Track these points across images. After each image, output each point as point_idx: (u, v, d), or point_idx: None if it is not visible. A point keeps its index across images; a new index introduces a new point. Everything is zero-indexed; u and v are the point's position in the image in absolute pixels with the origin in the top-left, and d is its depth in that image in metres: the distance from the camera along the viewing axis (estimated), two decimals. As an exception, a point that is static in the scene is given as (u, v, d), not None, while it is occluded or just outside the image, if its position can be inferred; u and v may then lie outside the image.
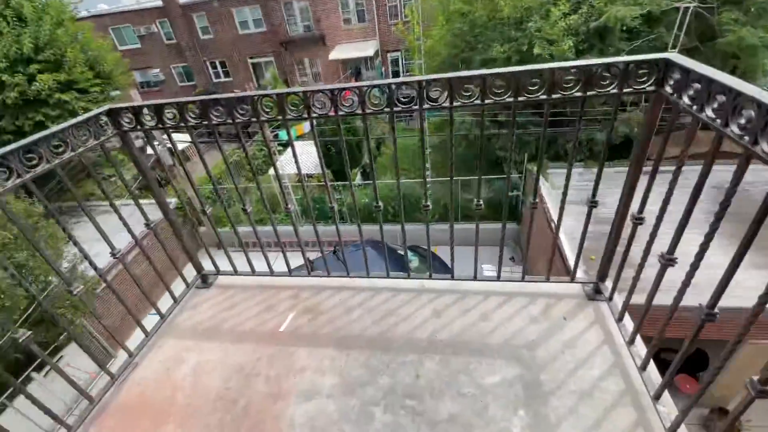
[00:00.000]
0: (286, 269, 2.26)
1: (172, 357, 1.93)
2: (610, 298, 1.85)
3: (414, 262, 9.18)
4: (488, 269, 9.15)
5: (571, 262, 6.73)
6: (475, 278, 2.04)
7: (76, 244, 1.76)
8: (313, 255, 8.50)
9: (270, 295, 2.20)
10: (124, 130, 1.80)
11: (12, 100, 9.57)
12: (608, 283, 1.90)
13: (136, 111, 1.74)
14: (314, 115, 1.59)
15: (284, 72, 20.90)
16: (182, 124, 1.71)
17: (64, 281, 1.66)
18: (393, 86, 1.46)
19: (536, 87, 1.38)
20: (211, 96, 1.64)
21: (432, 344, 1.78)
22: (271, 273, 2.28)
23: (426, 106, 1.49)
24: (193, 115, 1.69)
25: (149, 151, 9.33)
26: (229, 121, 1.66)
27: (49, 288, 7.00)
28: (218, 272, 2.38)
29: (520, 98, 1.41)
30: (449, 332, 1.82)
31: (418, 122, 12.58)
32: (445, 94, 1.44)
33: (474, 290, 2.00)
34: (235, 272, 2.34)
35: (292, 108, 1.60)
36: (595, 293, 1.90)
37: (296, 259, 2.41)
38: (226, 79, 21.88)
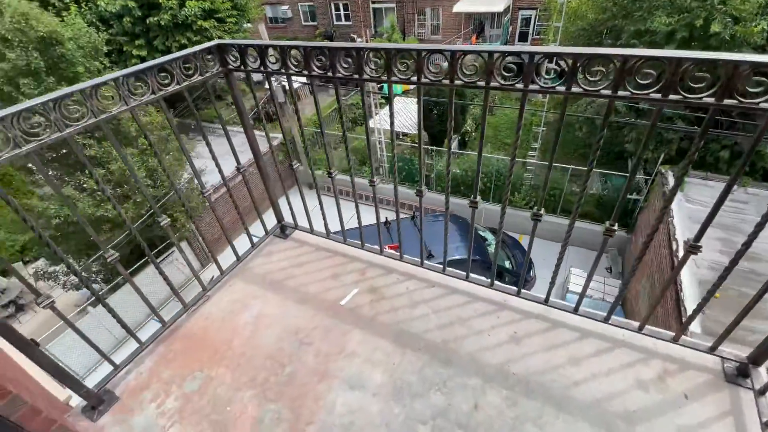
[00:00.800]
0: (359, 238, 2.13)
1: (240, 300, 1.98)
2: (763, 392, 1.35)
3: (492, 245, 8.62)
4: (577, 273, 8.21)
5: (690, 306, 5.53)
6: (575, 311, 1.67)
7: (188, 159, 1.87)
8: (390, 216, 8.49)
9: (339, 262, 2.10)
10: (230, 68, 1.73)
11: (165, 22, 10.78)
12: (763, 370, 1.40)
13: (242, 50, 1.64)
14: (425, 80, 1.32)
15: (403, 21, 20.17)
16: (283, 71, 1.57)
17: (175, 192, 1.81)
18: (536, 56, 1.11)
19: (702, 85, 0.95)
20: (315, 43, 1.45)
21: (502, 374, 1.52)
22: (344, 241, 2.18)
23: (533, 87, 1.14)
24: (295, 62, 1.53)
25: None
26: (329, 74, 1.48)
27: (170, 193, 8.13)
28: (296, 226, 2.35)
29: (672, 96, 0.99)
30: (526, 366, 1.53)
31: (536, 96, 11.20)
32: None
33: (570, 324, 1.65)
34: (311, 231, 2.29)
35: (401, 69, 1.34)
36: (740, 376, 1.42)
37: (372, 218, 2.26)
38: (346, 23, 21.94)
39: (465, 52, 1.21)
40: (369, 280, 1.98)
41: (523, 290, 1.76)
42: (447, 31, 19.65)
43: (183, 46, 11.14)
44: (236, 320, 1.87)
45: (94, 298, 8.95)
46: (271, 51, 1.56)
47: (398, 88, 13.13)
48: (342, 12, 21.97)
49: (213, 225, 10.42)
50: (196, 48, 1.62)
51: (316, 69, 1.49)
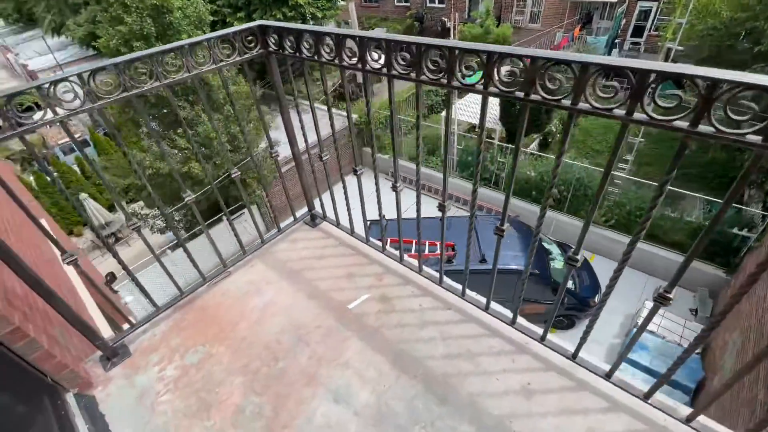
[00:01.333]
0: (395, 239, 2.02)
1: (255, 282, 2.00)
2: None
3: (557, 260, 7.88)
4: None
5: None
6: (608, 377, 1.39)
7: (266, 129, 1.97)
8: (455, 213, 8.12)
9: (358, 262, 2.02)
10: (269, 51, 1.69)
11: (289, -5, 11.32)
12: None
13: (280, 33, 1.58)
14: (455, 84, 1.13)
15: (500, 6, 18.91)
16: (315, 58, 1.48)
17: (252, 159, 2.07)
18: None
19: None
20: (346, 31, 1.33)
21: (501, 429, 1.32)
22: (366, 241, 2.08)
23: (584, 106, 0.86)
24: (328, 49, 1.43)
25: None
26: (359, 66, 1.35)
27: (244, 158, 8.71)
28: (324, 217, 2.31)
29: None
30: (532, 428, 1.31)
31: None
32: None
33: (599, 390, 1.38)
34: (337, 224, 2.22)
35: (432, 68, 1.16)
36: None
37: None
38: (439, 5, 21.20)
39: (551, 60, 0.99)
40: (383, 288, 1.86)
41: (549, 337, 1.51)
42: (548, 20, 18.02)
43: (277, 21, 11.68)
44: (247, 302, 1.90)
45: (175, 241, 10.14)
46: (307, 36, 1.48)
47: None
48: (437, -8, 21.26)
49: (277, 195, 11.00)
50: (237, 28, 1.59)
51: (347, 60, 1.37)
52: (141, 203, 11.75)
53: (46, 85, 1.22)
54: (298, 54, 1.54)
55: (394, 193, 1.61)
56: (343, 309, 1.80)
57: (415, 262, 1.91)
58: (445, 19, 19.37)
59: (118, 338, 1.74)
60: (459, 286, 1.75)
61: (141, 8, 6.73)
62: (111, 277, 5.48)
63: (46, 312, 1.51)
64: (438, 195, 11.25)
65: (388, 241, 2.07)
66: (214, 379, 1.59)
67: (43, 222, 1.47)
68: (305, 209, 2.32)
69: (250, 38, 1.63)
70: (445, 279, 1.79)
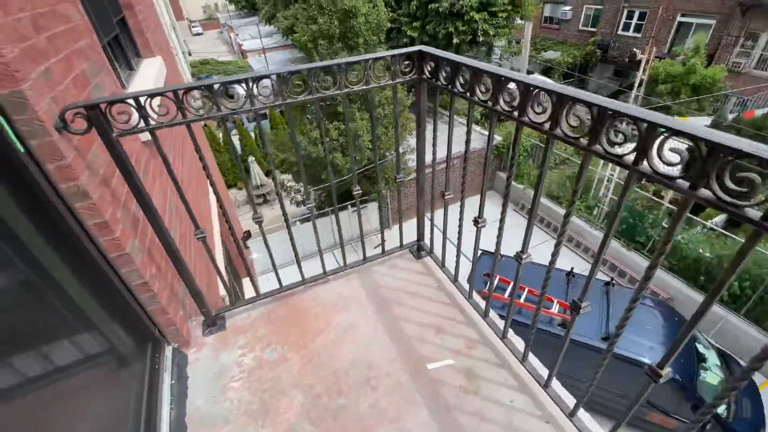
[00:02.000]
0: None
1: (346, 298, 1.97)
2: None
3: (710, 372, 6.08)
4: None
5: None
6: None
7: (397, 140, 1.93)
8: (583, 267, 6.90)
9: (451, 316, 1.81)
10: (423, 78, 1.60)
11: (443, 9, 11.68)
12: None
13: (438, 62, 1.47)
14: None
15: (718, 43, 15.55)
16: (468, 95, 1.32)
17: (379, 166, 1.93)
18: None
19: None
20: (509, 73, 1.13)
21: None
22: (468, 297, 1.84)
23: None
24: (484, 89, 1.26)
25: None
26: (516, 116, 1.14)
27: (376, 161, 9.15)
28: (430, 252, 2.15)
29: None
30: None
31: None
32: None
33: None
34: (441, 265, 2.04)
35: (615, 140, 0.89)
36: None
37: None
38: (634, 34, 18.60)
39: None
40: (472, 360, 1.62)
41: None
42: (783, 68, 14.06)
43: (448, 34, 11.91)
44: (333, 316, 1.88)
45: (307, 215, 11.37)
46: (463, 71, 1.33)
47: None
48: (634, 21, 18.72)
49: (405, 198, 11.26)
50: (397, 52, 1.54)
51: (502, 106, 1.18)
52: (289, 176, 13.48)
53: (249, 81, 1.32)
54: (450, 86, 1.41)
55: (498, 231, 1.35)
56: (420, 365, 1.62)
57: (520, 346, 1.60)
58: (637, 51, 16.95)
59: (221, 310, 1.91)
60: (570, 400, 1.39)
61: (333, 11, 7.63)
62: (247, 235, 6.32)
63: (169, 272, 1.73)
64: (583, 252, 9.94)
65: (495, 281, 1.74)
66: (281, 386, 1.60)
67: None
68: (414, 237, 2.20)
69: (407, 62, 1.57)
70: (555, 387, 1.44)
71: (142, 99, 1.24)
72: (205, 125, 15.45)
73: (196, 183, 3.14)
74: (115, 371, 1.44)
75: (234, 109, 1.37)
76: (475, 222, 1.52)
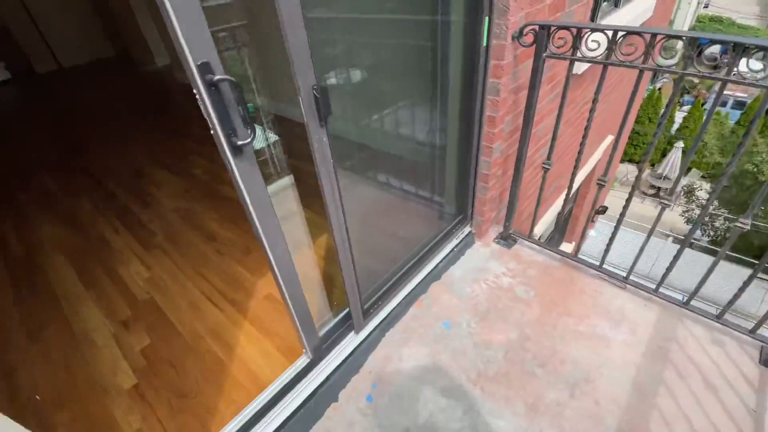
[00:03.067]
0: None
1: (620, 315, 1.71)
2: None
3: None
4: None
5: None
6: None
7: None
8: None
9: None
10: None
11: None
12: None
13: None
14: None
15: None
16: None
17: None
18: None
19: None
20: None
21: None
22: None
23: None
24: None
25: None
26: None
27: None
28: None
29: None
30: None
31: None
32: None
33: None
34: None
35: None
36: None
37: None
38: None
39: None
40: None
41: None
42: None
43: None
44: (594, 317, 1.72)
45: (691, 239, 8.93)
46: None
47: None
48: None
49: None
50: None
51: None
52: (707, 186, 10.49)
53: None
54: None
55: None
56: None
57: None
58: None
59: (517, 234, 2.14)
60: None
61: None
62: (603, 209, 5.95)
63: (506, 181, 2.04)
64: None
65: None
66: (508, 316, 1.76)
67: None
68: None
69: None
70: None
71: (581, 30, 1.36)
72: (659, 89, 13.65)
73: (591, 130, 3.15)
74: (435, 209, 2.03)
75: (680, 71, 1.21)
76: None
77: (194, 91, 0.80)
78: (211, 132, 0.86)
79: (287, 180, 1.23)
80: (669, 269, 1.61)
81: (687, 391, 1.42)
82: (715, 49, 1.13)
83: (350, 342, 1.61)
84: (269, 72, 1.64)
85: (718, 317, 1.59)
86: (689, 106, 13.54)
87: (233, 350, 1.70)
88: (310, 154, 1.07)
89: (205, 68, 0.76)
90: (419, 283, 1.90)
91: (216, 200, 2.74)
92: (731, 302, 1.49)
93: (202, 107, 0.82)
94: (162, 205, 2.77)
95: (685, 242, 1.56)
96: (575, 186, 3.47)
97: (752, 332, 1.53)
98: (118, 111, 4.90)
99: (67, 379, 1.66)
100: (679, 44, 1.19)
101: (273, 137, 1.21)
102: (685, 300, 1.68)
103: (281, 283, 1.20)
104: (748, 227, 1.30)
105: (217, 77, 0.78)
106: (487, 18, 1.43)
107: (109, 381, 1.63)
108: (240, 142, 0.87)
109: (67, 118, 4.86)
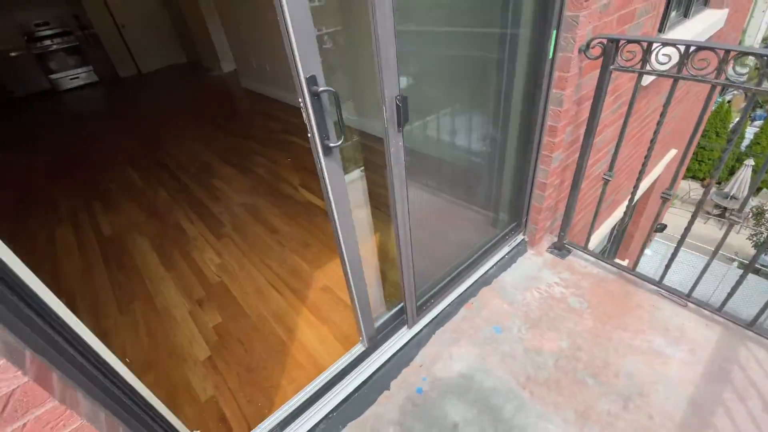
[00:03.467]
0: None
1: (678, 333, 1.67)
2: None
3: None
4: None
5: None
6: None
7: None
8: None
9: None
10: None
11: None
12: None
13: None
14: None
15: None
16: None
17: None
18: None
19: None
20: None
21: None
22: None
23: None
24: None
25: None
26: None
27: None
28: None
29: None
30: None
31: None
32: None
33: None
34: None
35: None
36: None
37: None
38: None
39: None
40: None
41: None
42: None
43: None
44: (648, 332, 1.69)
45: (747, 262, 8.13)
46: None
47: None
48: None
49: None
50: None
51: None
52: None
53: None
54: None
55: None
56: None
57: None
58: None
59: (572, 244, 2.13)
60: None
61: None
62: (662, 227, 5.64)
63: (563, 191, 2.04)
64: None
65: None
66: (560, 325, 1.77)
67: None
68: None
69: None
70: None
71: (652, 45, 1.37)
72: (729, 102, 12.63)
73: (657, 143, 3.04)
74: (489, 215, 2.08)
75: (753, 87, 1.23)
76: None
77: (299, 99, 0.93)
78: (309, 135, 0.99)
79: (358, 175, 1.35)
80: (735, 288, 1.55)
81: (745, 413, 1.37)
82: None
83: (403, 336, 1.70)
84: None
85: (791, 343, 1.51)
86: (761, 121, 12.39)
87: (294, 334, 1.85)
88: (373, 159, 1.18)
89: (311, 81, 0.89)
90: (470, 286, 1.95)
91: (278, 198, 2.96)
92: (807, 328, 1.41)
93: (304, 114, 0.95)
94: (230, 199, 3.02)
95: (750, 265, 1.50)
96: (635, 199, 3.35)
97: (831, 362, 1.44)
98: (189, 112, 5.37)
99: (150, 347, 1.88)
100: (750, 58, 1.18)
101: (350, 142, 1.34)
102: (749, 321, 1.60)
103: (348, 271, 1.32)
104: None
105: (321, 89, 0.91)
106: (554, 31, 1.47)
107: (187, 351, 1.83)
108: (332, 145, 0.99)
109: (145, 118, 5.40)
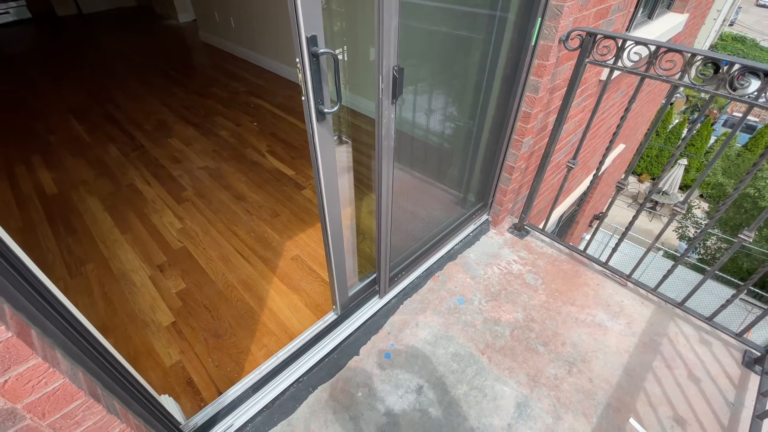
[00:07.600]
0: None
1: (618, 309, 1.88)
2: None
3: None
4: None
5: None
6: None
7: None
8: None
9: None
10: None
11: None
12: None
13: None
14: None
15: None
16: None
17: None
18: None
19: None
20: None
21: None
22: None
23: None
24: None
25: None
26: None
27: None
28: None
29: None
30: None
31: None
32: None
33: None
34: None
35: None
36: None
37: None
38: None
39: None
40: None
41: None
42: None
43: None
44: (594, 307, 1.88)
45: (679, 255, 9.22)
46: None
47: None
48: None
49: None
50: None
51: None
52: (705, 205, 10.73)
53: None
54: None
55: None
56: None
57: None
58: None
59: (531, 227, 2.28)
60: None
61: None
62: (594, 216, 6.11)
63: (528, 175, 2.17)
64: None
65: None
66: (517, 299, 1.92)
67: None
68: None
69: None
70: None
71: (626, 42, 1.46)
72: (672, 104, 13.70)
73: (604, 138, 3.27)
74: (459, 195, 2.16)
75: (712, 91, 1.35)
76: None
77: (296, 60, 0.90)
78: (302, 98, 0.97)
79: (344, 148, 1.35)
80: (669, 272, 1.76)
81: (672, 380, 1.60)
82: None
83: (374, 305, 1.75)
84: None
85: (709, 319, 1.76)
86: (699, 125, 13.65)
87: (263, 301, 1.85)
88: (357, 137, 1.18)
89: (312, 41, 0.87)
90: (437, 260, 2.04)
91: (243, 164, 2.84)
92: (724, 306, 1.65)
93: (300, 75, 0.93)
94: (191, 161, 2.86)
95: (682, 256, 1.71)
96: (583, 188, 3.61)
97: (738, 336, 1.70)
98: (140, 63, 4.90)
99: (108, 311, 1.79)
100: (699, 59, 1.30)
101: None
102: (680, 301, 1.84)
103: (330, 240, 1.33)
104: (751, 239, 1.44)
105: (322, 50, 0.88)
106: (540, 19, 1.52)
107: (149, 317, 1.76)
108: (326, 111, 0.98)
109: (88, 65, 4.86)
